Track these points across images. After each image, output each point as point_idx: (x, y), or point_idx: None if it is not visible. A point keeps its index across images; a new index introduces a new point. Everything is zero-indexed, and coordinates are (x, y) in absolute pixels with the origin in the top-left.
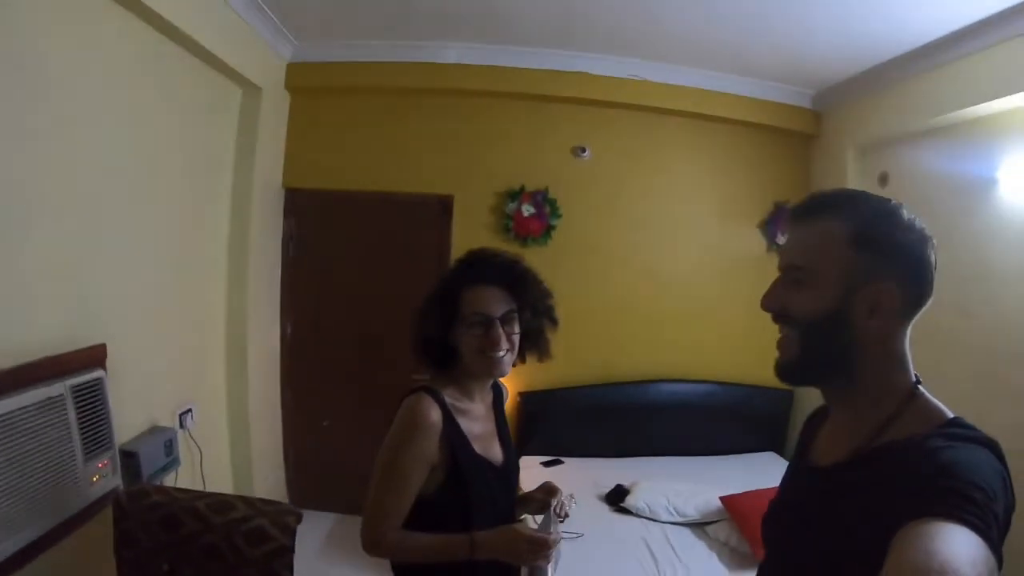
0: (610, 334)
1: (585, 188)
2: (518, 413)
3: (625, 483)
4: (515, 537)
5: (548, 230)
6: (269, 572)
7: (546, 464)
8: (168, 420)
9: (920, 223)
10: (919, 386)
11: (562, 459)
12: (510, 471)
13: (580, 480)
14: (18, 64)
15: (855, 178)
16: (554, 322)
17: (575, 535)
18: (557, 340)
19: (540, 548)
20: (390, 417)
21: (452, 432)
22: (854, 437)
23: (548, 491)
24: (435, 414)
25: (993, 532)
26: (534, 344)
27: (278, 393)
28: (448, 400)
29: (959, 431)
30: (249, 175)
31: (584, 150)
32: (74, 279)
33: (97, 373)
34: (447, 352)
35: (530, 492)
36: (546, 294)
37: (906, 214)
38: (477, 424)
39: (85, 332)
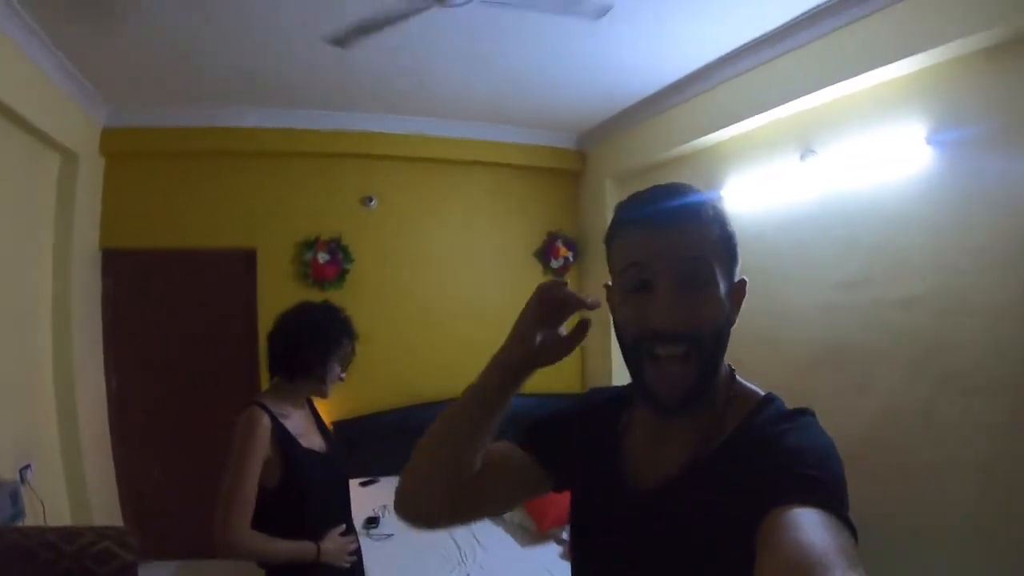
0: (409, 360)
1: (374, 233)
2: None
3: None
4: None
5: (343, 274)
6: None
7: (363, 484)
8: (10, 474)
9: None
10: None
11: (377, 478)
12: (336, 458)
13: (392, 494)
14: None
15: (613, 205)
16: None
17: (386, 536)
18: (363, 370)
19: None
20: (218, 450)
21: (280, 432)
22: (688, 444)
23: None
24: (265, 419)
25: (847, 510)
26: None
27: (110, 448)
28: (274, 409)
29: (787, 410)
30: (69, 238)
31: (371, 200)
32: None
33: None
34: (302, 372)
35: None
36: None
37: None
38: (299, 425)
39: None
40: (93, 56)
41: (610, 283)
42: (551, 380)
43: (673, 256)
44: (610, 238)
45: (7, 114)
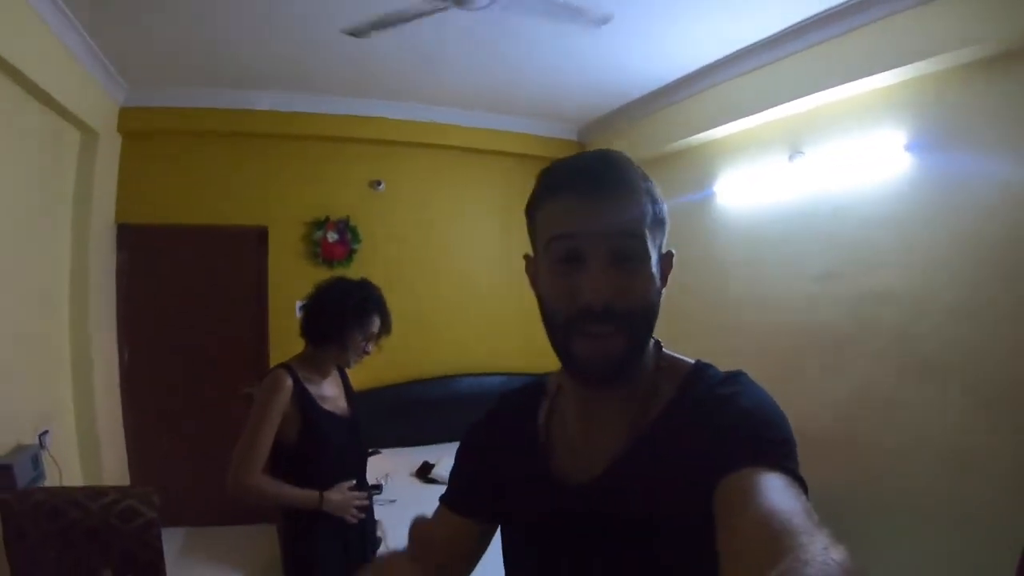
0: (413, 339)
1: (382, 215)
2: None
3: (431, 460)
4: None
5: (351, 253)
6: (143, 543)
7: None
8: (30, 439)
9: None
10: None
11: (379, 450)
12: (355, 421)
13: (394, 464)
14: None
15: None
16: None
17: (390, 501)
18: None
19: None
20: (223, 427)
21: (301, 393)
22: (624, 419)
23: None
24: (288, 381)
25: (798, 467)
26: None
27: (121, 417)
28: (300, 374)
29: (724, 374)
30: (88, 213)
31: (379, 183)
32: None
33: None
34: (323, 340)
35: None
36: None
37: None
38: (324, 389)
39: None
40: (115, 36)
41: (530, 254)
42: (532, 361)
43: (607, 230)
44: (534, 207)
45: (33, 90)
